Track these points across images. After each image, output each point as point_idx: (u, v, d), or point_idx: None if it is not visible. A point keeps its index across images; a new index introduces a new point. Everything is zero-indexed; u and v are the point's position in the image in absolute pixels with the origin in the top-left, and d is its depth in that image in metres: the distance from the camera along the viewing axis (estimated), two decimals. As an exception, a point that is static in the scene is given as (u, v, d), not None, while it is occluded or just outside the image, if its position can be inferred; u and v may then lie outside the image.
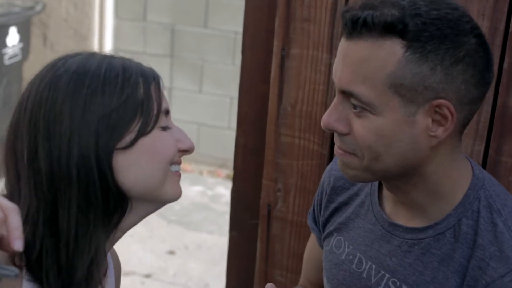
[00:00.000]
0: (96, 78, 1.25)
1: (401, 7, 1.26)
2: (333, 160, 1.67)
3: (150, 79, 1.30)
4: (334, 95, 1.92)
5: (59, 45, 6.35)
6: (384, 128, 1.30)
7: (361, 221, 1.54)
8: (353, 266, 1.53)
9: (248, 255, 2.22)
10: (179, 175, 1.35)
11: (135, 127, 1.26)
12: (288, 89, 2.01)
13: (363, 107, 1.30)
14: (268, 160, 2.08)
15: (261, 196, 2.11)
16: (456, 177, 1.40)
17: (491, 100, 1.79)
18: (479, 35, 1.31)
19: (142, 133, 1.26)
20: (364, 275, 1.50)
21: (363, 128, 1.32)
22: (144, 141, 1.26)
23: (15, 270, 0.99)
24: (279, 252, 2.12)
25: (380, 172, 1.36)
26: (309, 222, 1.73)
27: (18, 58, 5.72)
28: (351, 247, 1.54)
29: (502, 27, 1.74)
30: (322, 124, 1.37)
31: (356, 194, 1.58)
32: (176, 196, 1.34)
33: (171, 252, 4.82)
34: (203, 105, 6.25)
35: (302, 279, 1.83)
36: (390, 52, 1.26)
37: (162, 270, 4.61)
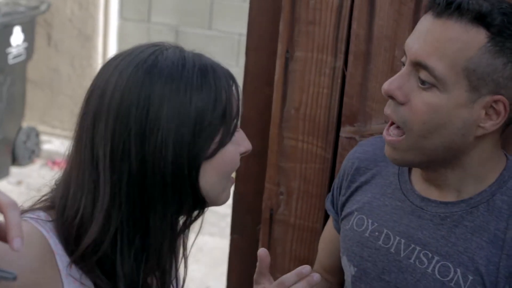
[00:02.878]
0: (190, 82, 1.23)
1: (491, 3, 1.38)
2: (357, 145, 1.76)
3: (231, 82, 1.30)
4: (339, 98, 1.94)
5: (63, 45, 6.35)
6: (445, 107, 1.39)
7: (388, 199, 1.60)
8: (379, 242, 1.58)
9: (249, 258, 2.20)
10: (233, 181, 1.38)
11: (218, 138, 1.27)
12: (292, 92, 2.00)
13: (432, 84, 1.39)
14: (271, 163, 2.07)
15: (263, 199, 2.10)
16: (493, 163, 1.50)
17: None
18: None
19: (222, 144, 1.27)
20: (392, 250, 1.55)
21: (423, 102, 1.40)
22: (220, 152, 1.28)
23: (14, 272, 0.97)
24: (280, 256, 2.11)
25: (427, 151, 1.44)
26: (327, 204, 1.78)
27: (23, 57, 5.71)
28: (376, 224, 1.59)
29: None
30: (382, 90, 1.46)
31: (379, 174, 1.65)
32: (226, 201, 1.37)
33: (173, 254, 4.81)
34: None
35: (315, 266, 1.86)
36: (474, 39, 1.37)
37: (163, 271, 4.61)
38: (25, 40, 5.70)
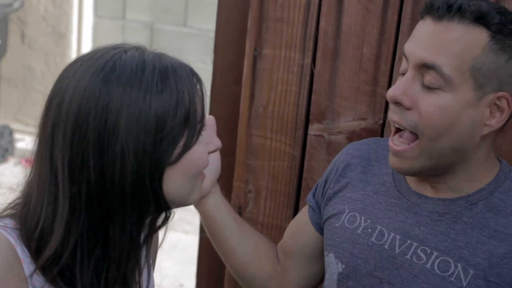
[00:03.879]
0: (150, 88, 1.19)
1: (488, 3, 1.42)
2: (351, 143, 1.75)
3: (195, 81, 1.27)
4: (307, 96, 1.93)
5: (37, 42, 6.31)
6: (453, 107, 1.41)
7: (382, 197, 1.60)
8: (372, 239, 1.57)
9: (219, 257, 2.19)
10: (204, 177, 1.35)
11: (182, 141, 1.23)
12: (260, 90, 1.99)
13: (437, 86, 1.40)
14: (239, 161, 2.06)
15: (232, 197, 2.09)
16: (489, 164, 1.52)
17: None
18: None
19: (188, 147, 1.24)
20: (386, 246, 1.55)
21: (431, 104, 1.41)
22: (186, 155, 1.25)
23: None
24: (249, 254, 2.09)
25: (435, 154, 1.44)
26: (309, 196, 1.77)
27: (-5, 55, 5.67)
28: (369, 221, 1.59)
29: None
30: (387, 97, 1.46)
31: (371, 172, 1.65)
32: (197, 200, 1.34)
33: (147, 252, 4.80)
34: (182, 104, 6.23)
35: (277, 246, 1.85)
36: (477, 38, 1.40)
37: (137, 270, 4.59)
38: (-2, 37, 5.66)
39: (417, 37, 1.45)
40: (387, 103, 1.81)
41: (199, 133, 1.26)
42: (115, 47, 1.24)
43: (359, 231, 1.60)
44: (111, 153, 1.18)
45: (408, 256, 1.52)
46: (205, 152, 1.29)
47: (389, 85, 1.83)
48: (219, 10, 2.09)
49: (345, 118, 1.91)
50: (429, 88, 1.42)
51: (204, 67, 6.17)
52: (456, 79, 1.40)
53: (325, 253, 1.68)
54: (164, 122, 1.20)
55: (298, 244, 1.79)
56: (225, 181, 2.13)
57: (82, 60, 1.23)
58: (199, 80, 1.28)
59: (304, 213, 1.79)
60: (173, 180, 1.25)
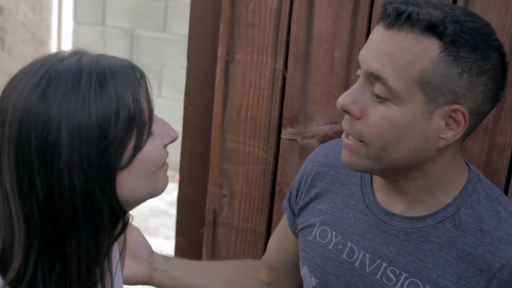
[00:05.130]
0: (88, 96, 1.16)
1: (443, 11, 1.34)
2: (318, 147, 1.71)
3: (138, 79, 1.23)
4: (279, 100, 1.95)
5: (16, 49, 6.29)
6: (401, 120, 1.36)
7: (351, 211, 1.57)
8: (343, 255, 1.55)
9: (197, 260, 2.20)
10: (167, 166, 1.31)
11: (131, 144, 1.20)
12: (232, 95, 2.00)
13: (386, 97, 1.35)
14: (213, 165, 2.07)
15: (207, 202, 2.10)
16: (454, 172, 1.47)
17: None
18: (503, 54, 1.40)
19: (138, 148, 1.21)
20: (356, 264, 1.53)
21: (379, 116, 1.37)
22: (138, 156, 1.22)
23: None
24: (224, 258, 2.10)
25: (386, 162, 1.41)
26: (284, 203, 1.76)
27: (-26, 62, 5.65)
28: (340, 237, 1.56)
29: None
30: (337, 105, 1.42)
31: (339, 182, 1.61)
32: (164, 189, 1.31)
33: (128, 258, 4.78)
34: (162, 109, 6.19)
35: (261, 262, 1.85)
36: (427, 49, 1.33)
37: (118, 276, 4.58)
38: (-23, 44, 5.64)
39: (369, 44, 1.40)
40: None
41: (149, 131, 1.23)
42: (51, 57, 1.21)
43: (330, 247, 1.58)
44: (56, 169, 1.16)
45: (378, 276, 1.49)
46: (160, 146, 1.26)
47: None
48: (192, 15, 2.10)
49: (318, 122, 1.92)
50: (379, 98, 1.37)
51: (183, 73, 6.16)
52: (403, 92, 1.34)
53: (300, 264, 1.66)
54: (107, 129, 1.17)
55: (283, 256, 1.78)
56: (201, 185, 2.14)
57: (20, 75, 1.21)
58: (142, 76, 1.24)
59: (284, 224, 1.78)
60: (130, 182, 1.22)
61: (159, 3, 6.12)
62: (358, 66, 1.88)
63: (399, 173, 1.44)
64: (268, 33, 1.94)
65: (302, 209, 1.67)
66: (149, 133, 1.23)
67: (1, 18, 6.14)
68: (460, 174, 1.48)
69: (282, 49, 1.94)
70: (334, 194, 1.61)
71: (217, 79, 2.01)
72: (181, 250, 2.24)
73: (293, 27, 1.91)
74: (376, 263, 1.50)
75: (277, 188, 2.01)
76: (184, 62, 6.11)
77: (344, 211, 1.58)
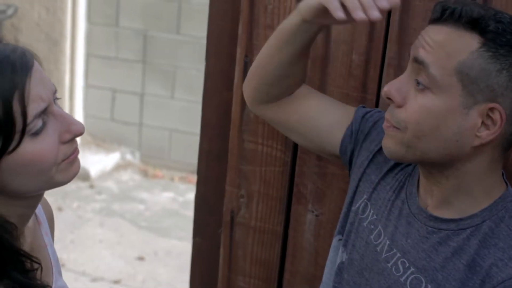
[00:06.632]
0: None
1: (487, 10, 1.42)
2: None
3: (19, 76, 1.19)
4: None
5: (31, 49, 6.32)
6: (438, 109, 1.42)
7: (392, 195, 1.61)
8: (372, 236, 1.59)
9: (212, 261, 2.21)
10: (73, 159, 1.27)
11: None
12: (251, 96, 2.01)
13: (426, 85, 1.42)
14: (231, 166, 2.08)
15: (224, 202, 2.11)
16: (488, 185, 1.49)
17: None
18: None
19: (3, 153, 1.17)
20: (378, 248, 1.57)
21: (418, 103, 1.43)
22: (12, 157, 1.18)
23: None
24: (241, 259, 2.12)
25: (419, 152, 1.46)
26: (361, 111, 1.74)
27: (-11, 62, 5.68)
28: (374, 217, 1.61)
29: None
30: (382, 92, 1.51)
31: (402, 170, 1.63)
32: (68, 179, 1.28)
33: (141, 258, 4.81)
34: (175, 111, 6.24)
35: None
36: (467, 43, 1.40)
37: (131, 276, 4.60)
38: (-9, 44, 5.67)
39: (420, 36, 1.48)
40: (376, 109, 1.83)
41: (20, 139, 1.18)
42: None
43: (365, 224, 1.61)
44: None
45: (389, 265, 1.53)
46: (52, 145, 1.22)
47: (378, 92, 1.85)
48: (210, 17, 2.11)
49: (335, 123, 1.93)
50: (420, 88, 1.43)
51: (197, 74, 6.19)
52: (442, 80, 1.40)
53: (335, 233, 1.69)
54: None
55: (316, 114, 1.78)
56: (218, 185, 2.15)
57: None
58: (28, 69, 1.22)
59: (349, 113, 1.75)
60: (14, 180, 1.20)
61: (172, 5, 6.14)
62: (376, 68, 1.89)
63: (433, 166, 1.48)
64: (287, 35, 1.95)
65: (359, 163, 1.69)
66: (20, 140, 1.18)
67: (16, 18, 6.17)
68: (494, 188, 1.49)
69: (300, 51, 1.94)
70: (385, 170, 1.65)
71: (235, 80, 2.02)
72: (198, 250, 2.25)
73: (311, 29, 1.92)
74: (391, 252, 1.54)
75: (295, 189, 2.02)
76: (197, 64, 6.10)
77: (389, 193, 1.61)
